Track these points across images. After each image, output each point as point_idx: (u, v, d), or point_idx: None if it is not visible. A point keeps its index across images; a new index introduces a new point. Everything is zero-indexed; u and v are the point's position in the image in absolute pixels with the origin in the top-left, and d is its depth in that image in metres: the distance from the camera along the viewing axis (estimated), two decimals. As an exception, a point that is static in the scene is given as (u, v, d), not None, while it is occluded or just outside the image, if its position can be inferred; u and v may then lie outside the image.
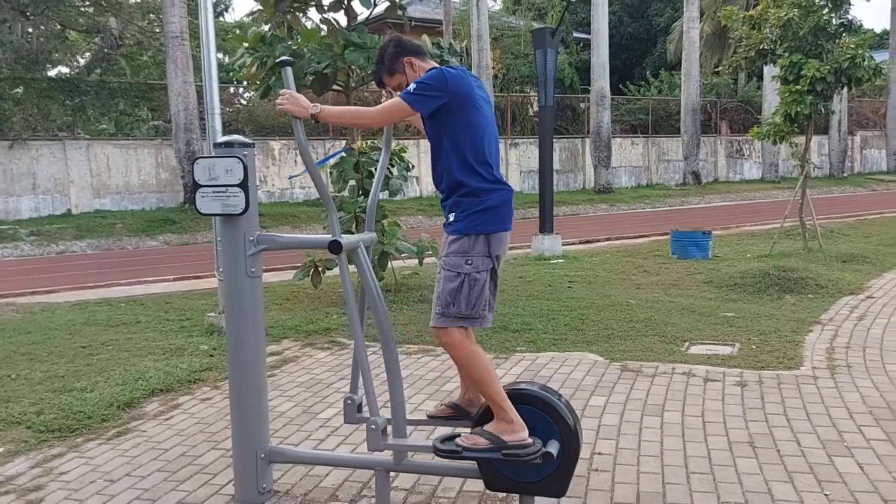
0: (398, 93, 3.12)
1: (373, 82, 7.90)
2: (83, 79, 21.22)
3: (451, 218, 3.04)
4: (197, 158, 3.17)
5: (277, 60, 3.14)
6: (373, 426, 3.10)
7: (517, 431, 2.95)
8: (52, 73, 21.64)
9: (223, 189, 3.14)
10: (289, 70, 3.07)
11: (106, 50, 22.48)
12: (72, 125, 19.37)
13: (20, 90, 18.83)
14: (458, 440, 3.00)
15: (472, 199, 3.00)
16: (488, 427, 3.00)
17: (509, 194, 3.09)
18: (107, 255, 14.48)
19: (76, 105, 19.32)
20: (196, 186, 3.18)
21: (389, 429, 3.22)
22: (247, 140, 3.24)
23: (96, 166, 18.10)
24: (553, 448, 2.97)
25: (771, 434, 3.95)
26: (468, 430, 3.12)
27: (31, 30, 19.65)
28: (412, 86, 2.98)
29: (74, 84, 19.88)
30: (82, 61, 24.79)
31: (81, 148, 18.01)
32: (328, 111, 3.02)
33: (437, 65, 3.17)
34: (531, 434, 2.98)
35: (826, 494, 3.26)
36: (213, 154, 3.24)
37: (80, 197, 17.83)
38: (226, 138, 3.22)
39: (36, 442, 4.14)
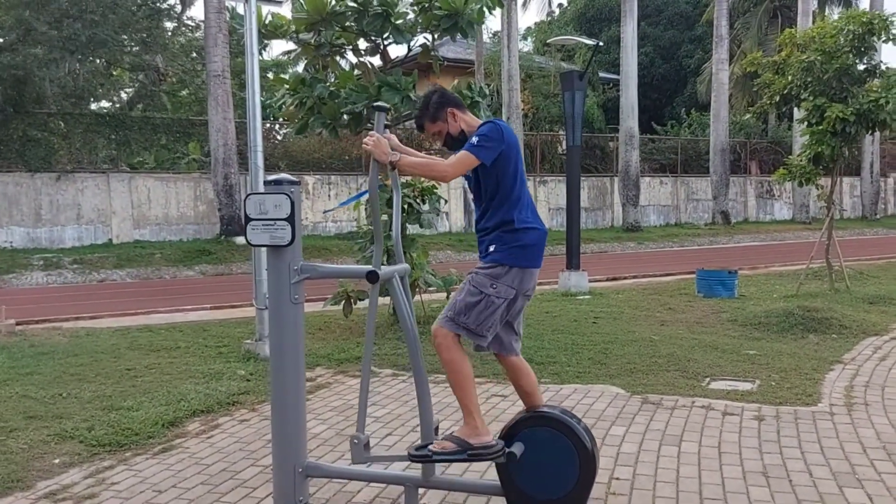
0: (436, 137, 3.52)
1: (404, 122, 8.33)
2: (127, 114, 22.10)
3: (491, 249, 3.38)
4: (249, 195, 3.49)
5: (374, 105, 3.44)
6: (355, 441, 3.42)
7: (481, 435, 3.28)
8: (93, 107, 22.49)
9: (272, 222, 3.44)
10: (382, 115, 3.36)
11: (150, 87, 23.36)
12: (116, 159, 20.12)
13: (62, 124, 19.63)
14: (429, 446, 3.31)
15: (513, 236, 3.35)
16: (457, 432, 3.34)
17: (544, 235, 3.44)
18: (145, 284, 14.97)
19: (120, 139, 20.12)
20: (247, 220, 3.49)
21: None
22: (294, 178, 3.55)
23: (137, 198, 18.79)
24: (517, 448, 3.27)
25: (784, 465, 4.10)
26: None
27: (77, 66, 20.54)
28: (474, 139, 3.32)
29: (119, 119, 20.73)
30: (125, 96, 25.77)
31: (124, 180, 18.74)
32: (406, 161, 3.34)
33: (474, 116, 3.52)
34: (550, 454, 3.22)
35: (834, 522, 3.41)
36: (264, 191, 3.56)
37: (121, 227, 18.50)
38: (275, 177, 3.52)
39: (88, 455, 4.44)
